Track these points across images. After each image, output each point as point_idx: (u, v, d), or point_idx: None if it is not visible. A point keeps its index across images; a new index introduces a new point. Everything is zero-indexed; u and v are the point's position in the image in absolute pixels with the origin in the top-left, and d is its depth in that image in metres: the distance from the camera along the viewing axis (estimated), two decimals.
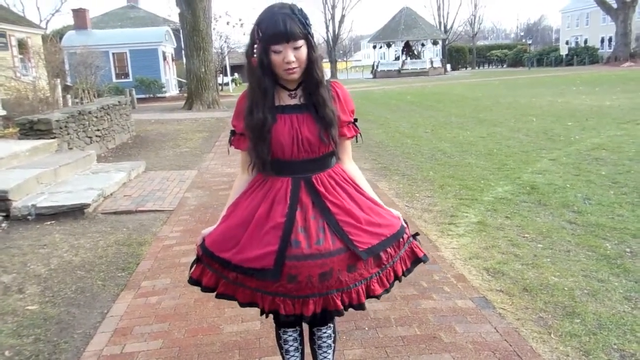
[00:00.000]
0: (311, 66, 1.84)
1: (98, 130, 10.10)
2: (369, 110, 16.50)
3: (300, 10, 1.80)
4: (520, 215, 5.14)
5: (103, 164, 8.39)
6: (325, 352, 2.25)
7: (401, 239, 1.99)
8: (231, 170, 7.86)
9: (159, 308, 3.47)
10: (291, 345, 2.20)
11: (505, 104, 16.40)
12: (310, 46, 1.82)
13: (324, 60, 72.88)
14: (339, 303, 1.88)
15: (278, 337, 2.23)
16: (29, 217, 5.53)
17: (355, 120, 2.06)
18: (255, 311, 3.26)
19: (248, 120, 1.89)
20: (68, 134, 8.73)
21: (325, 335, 2.23)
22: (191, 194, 6.61)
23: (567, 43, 56.42)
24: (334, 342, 2.27)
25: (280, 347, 2.24)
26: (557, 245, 4.31)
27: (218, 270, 1.99)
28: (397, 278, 2.02)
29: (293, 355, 2.22)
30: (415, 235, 2.09)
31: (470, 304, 3.35)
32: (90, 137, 9.68)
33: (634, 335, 2.90)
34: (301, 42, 1.78)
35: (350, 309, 1.94)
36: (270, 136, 1.87)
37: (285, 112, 1.90)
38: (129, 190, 6.82)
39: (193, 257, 3.87)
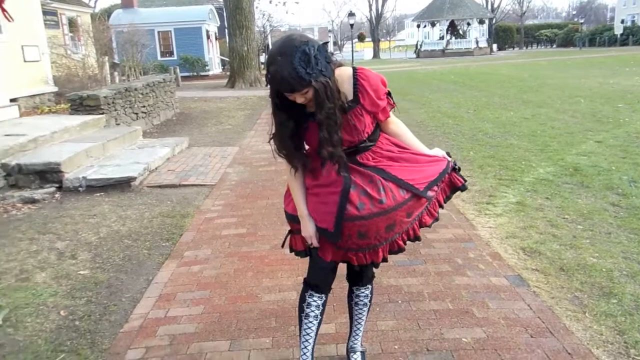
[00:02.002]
0: (317, 109, 1.91)
1: (144, 106, 10.39)
2: (410, 90, 16.32)
3: (304, 54, 1.82)
4: (561, 197, 5.06)
5: (148, 139, 8.66)
6: (361, 309, 2.45)
7: (447, 175, 2.19)
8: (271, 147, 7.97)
9: (200, 276, 3.63)
10: (312, 312, 2.28)
11: (552, 85, 15.92)
12: (317, 92, 1.86)
13: (367, 39, 72.05)
14: (402, 243, 2.17)
15: (302, 300, 2.31)
16: (80, 188, 5.80)
17: (389, 94, 2.10)
18: (291, 281, 3.42)
19: (279, 150, 2.08)
20: (115, 110, 9.03)
21: (363, 294, 2.43)
22: (232, 170, 6.78)
23: (622, 22, 53.86)
24: (369, 301, 2.46)
25: (301, 310, 2.31)
26: (598, 226, 4.25)
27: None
28: (440, 206, 2.23)
29: (311, 322, 2.30)
30: (455, 168, 2.23)
31: (505, 281, 3.37)
32: (136, 114, 9.97)
33: None
34: (306, 90, 1.87)
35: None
36: (301, 149, 2.09)
37: (313, 119, 2.01)
38: (173, 165, 7.04)
39: (233, 230, 4.06)
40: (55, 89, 10.99)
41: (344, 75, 1.97)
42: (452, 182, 2.23)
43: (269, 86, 1.95)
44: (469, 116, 10.54)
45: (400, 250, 2.19)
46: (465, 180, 2.27)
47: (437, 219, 2.24)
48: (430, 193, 2.12)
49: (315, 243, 2.14)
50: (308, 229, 2.12)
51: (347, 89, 1.97)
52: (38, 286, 3.52)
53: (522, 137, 8.12)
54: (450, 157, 2.25)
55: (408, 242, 2.21)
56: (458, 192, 2.29)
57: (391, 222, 2.05)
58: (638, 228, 4.15)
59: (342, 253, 2.14)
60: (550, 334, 2.75)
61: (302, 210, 2.14)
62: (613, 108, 10.47)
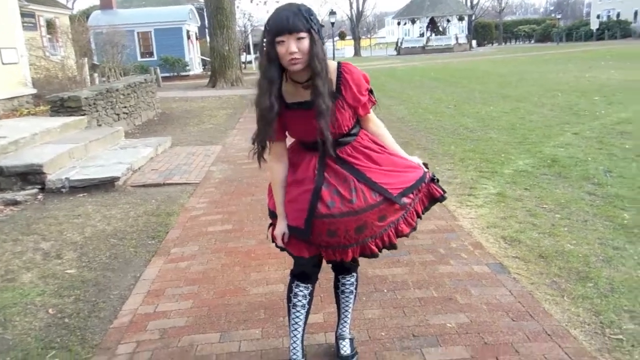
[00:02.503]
0: (311, 58, 1.95)
1: (125, 107, 10.34)
2: (391, 87, 16.46)
3: (307, 9, 1.95)
4: (539, 187, 5.19)
5: (130, 139, 8.63)
6: (348, 296, 2.52)
7: (423, 184, 2.21)
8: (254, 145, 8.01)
9: (188, 272, 3.67)
10: (299, 301, 2.34)
11: (531, 80, 16.18)
12: (313, 40, 1.93)
13: (347, 37, 72.20)
14: (374, 248, 2.18)
15: (289, 290, 2.37)
16: (62, 189, 5.78)
17: (371, 91, 2.17)
18: (278, 274, 3.48)
19: (257, 106, 2.06)
20: (97, 111, 8.98)
21: (349, 282, 2.49)
22: (216, 168, 6.80)
23: (598, 17, 54.74)
24: (355, 288, 2.53)
25: (289, 300, 2.37)
26: (575, 215, 4.38)
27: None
28: (418, 216, 2.25)
29: (299, 311, 2.36)
30: (433, 179, 2.26)
31: (486, 269, 3.46)
32: (117, 114, 9.93)
33: None
34: (304, 35, 1.91)
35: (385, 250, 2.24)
36: (276, 122, 2.05)
37: (298, 107, 2.06)
38: (156, 165, 7.04)
39: (219, 227, 4.12)
40: (34, 91, 10.89)
41: (329, 68, 2.03)
42: (430, 193, 2.24)
43: (264, 41, 1.96)
44: (450, 111, 10.69)
45: (374, 255, 2.20)
46: (445, 192, 2.29)
47: (414, 229, 2.24)
48: (405, 200, 2.14)
49: (279, 242, 2.24)
50: (279, 229, 2.22)
51: (330, 81, 2.03)
52: (25, 286, 3.52)
53: (502, 130, 8.27)
54: (427, 168, 2.27)
55: (384, 250, 2.22)
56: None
57: (361, 223, 2.08)
58: (613, 216, 4.28)
59: (315, 248, 2.19)
60: (531, 317, 2.85)
61: (280, 210, 2.21)
62: (589, 101, 10.70)
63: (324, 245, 2.15)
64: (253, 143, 2.13)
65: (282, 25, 1.90)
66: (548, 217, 4.36)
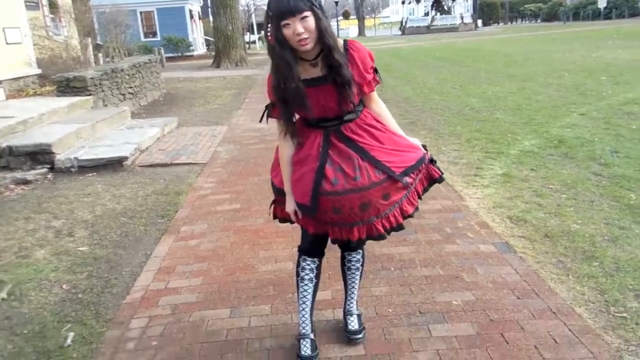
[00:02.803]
0: (321, 34, 1.97)
1: (130, 87, 10.35)
2: (396, 67, 16.36)
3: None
4: (545, 168, 5.21)
5: (137, 120, 8.65)
6: (354, 273, 2.57)
7: (423, 164, 2.24)
8: (260, 126, 8.03)
9: (198, 250, 3.72)
10: (307, 275, 2.41)
11: (537, 59, 16.05)
12: (317, 17, 1.95)
13: (352, 17, 71.51)
14: (381, 229, 2.17)
15: (297, 265, 2.45)
16: (72, 169, 5.83)
17: (375, 70, 2.19)
18: (287, 252, 3.53)
19: (281, 93, 2.07)
20: (102, 91, 8.99)
21: (355, 259, 2.54)
22: (223, 148, 6.83)
23: None
24: (361, 265, 2.57)
25: (297, 274, 2.44)
26: (581, 195, 4.40)
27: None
28: (419, 197, 2.28)
29: (306, 285, 2.42)
30: (432, 160, 2.30)
31: (492, 248, 3.51)
32: (123, 95, 9.94)
33: None
34: (307, 14, 1.92)
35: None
36: (307, 101, 2.07)
37: (309, 85, 2.07)
38: (163, 145, 7.07)
39: (227, 206, 4.16)
40: (39, 71, 10.88)
41: None
42: (430, 174, 2.29)
43: (269, 26, 1.98)
44: (456, 92, 10.65)
45: (381, 237, 2.20)
46: (442, 172, 2.33)
47: (417, 209, 2.27)
48: (407, 179, 2.17)
49: (294, 219, 2.28)
50: (289, 206, 2.26)
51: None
52: (39, 262, 3.59)
53: (508, 111, 8.25)
54: (426, 149, 2.31)
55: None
56: (443, 167, 2.39)
57: (365, 200, 2.10)
58: (619, 196, 4.31)
59: (322, 225, 2.23)
60: (536, 295, 2.89)
61: (288, 188, 2.25)
62: (596, 81, 10.63)
63: (329, 222, 2.18)
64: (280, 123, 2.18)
65: (284, 8, 1.91)
66: (554, 197, 4.39)
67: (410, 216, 2.25)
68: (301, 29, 1.92)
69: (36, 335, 2.75)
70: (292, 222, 2.38)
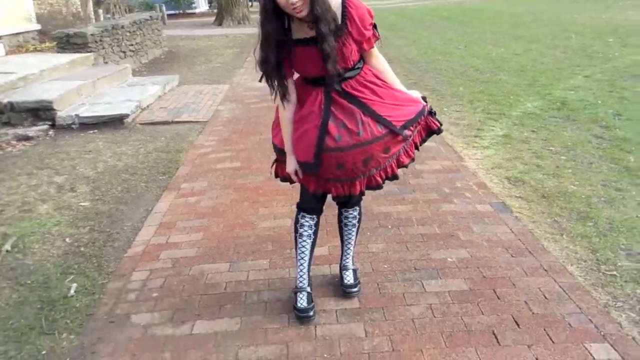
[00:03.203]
0: (312, 3, 1.95)
1: (131, 44, 10.23)
2: (402, 26, 16.09)
3: None
4: (546, 130, 5.20)
5: (138, 77, 8.59)
6: (350, 229, 2.62)
7: (422, 117, 2.27)
8: (262, 85, 7.95)
9: (198, 207, 3.77)
10: (305, 231, 2.45)
11: (545, 20, 15.75)
12: None
13: None
14: (379, 179, 2.25)
15: (296, 222, 2.48)
16: (73, 125, 5.85)
17: (375, 26, 2.17)
18: (286, 209, 3.57)
19: (259, 61, 2.11)
20: (103, 48, 8.90)
21: (352, 216, 2.58)
22: (224, 107, 6.81)
23: None
24: (358, 222, 2.61)
25: (296, 231, 2.49)
26: (581, 157, 4.41)
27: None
28: (416, 148, 2.32)
29: (305, 241, 2.47)
30: (431, 112, 2.32)
31: (489, 208, 3.54)
32: (124, 52, 9.83)
33: None
34: None
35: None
36: (283, 71, 2.12)
37: (303, 44, 2.08)
38: (165, 103, 7.05)
39: (227, 164, 4.19)
40: (39, 26, 10.74)
41: (333, 1, 2.03)
42: (428, 126, 2.31)
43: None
44: (460, 52, 10.51)
45: (378, 187, 2.28)
46: (441, 124, 2.36)
47: (413, 160, 2.33)
48: (406, 132, 2.20)
49: (295, 179, 2.31)
50: (290, 167, 2.28)
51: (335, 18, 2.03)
52: (41, 216, 3.65)
53: (512, 72, 8.16)
54: (426, 101, 2.33)
55: (387, 182, 2.31)
56: (443, 127, 2.41)
57: (368, 155, 2.14)
58: (618, 158, 4.32)
59: (323, 184, 2.26)
60: (529, 254, 2.95)
61: (289, 147, 2.26)
62: (603, 43, 10.46)
63: (332, 178, 2.21)
64: (271, 89, 2.18)
65: None
66: (553, 159, 4.40)
67: (405, 166, 2.31)
68: (299, 2, 1.93)
69: (40, 285, 2.82)
70: (292, 182, 2.41)
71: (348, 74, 2.14)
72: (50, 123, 5.85)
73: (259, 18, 2.05)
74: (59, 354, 2.29)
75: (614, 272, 2.75)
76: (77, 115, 5.89)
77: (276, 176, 2.52)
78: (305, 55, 2.09)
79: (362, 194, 2.33)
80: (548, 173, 4.10)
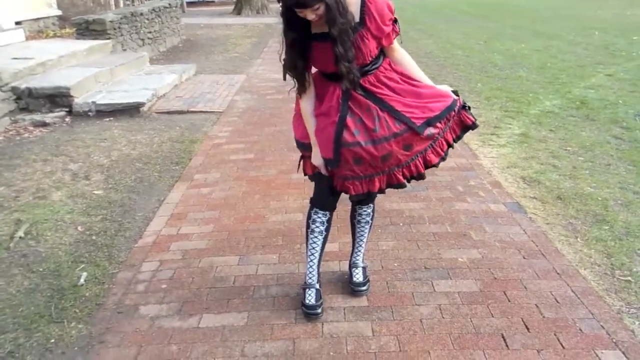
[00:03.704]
0: (329, 24, 1.94)
1: (150, 32, 10.25)
2: (420, 19, 15.92)
3: None
4: (565, 129, 5.11)
5: (155, 65, 8.61)
6: (363, 226, 2.60)
7: (453, 112, 2.19)
8: (279, 76, 7.97)
9: (210, 198, 3.78)
10: (317, 227, 2.42)
11: (567, 15, 15.48)
12: (328, 7, 1.90)
13: None
14: (401, 178, 2.20)
15: (308, 217, 2.46)
16: (89, 113, 5.88)
17: (395, 21, 2.13)
18: (297, 204, 3.56)
19: (287, 67, 2.12)
20: (121, 35, 8.93)
21: (365, 213, 2.56)
22: (240, 97, 6.81)
23: None
24: (371, 219, 2.60)
25: (307, 226, 2.46)
26: (599, 158, 4.33)
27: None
28: (449, 146, 2.25)
29: (316, 237, 2.44)
30: (464, 106, 2.24)
31: (503, 208, 3.50)
32: (142, 39, 9.86)
33: None
34: (318, 5, 1.89)
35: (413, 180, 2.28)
36: (307, 72, 2.13)
37: (320, 39, 2.05)
38: (181, 92, 7.06)
39: (241, 156, 4.15)
40: (59, 12, 10.80)
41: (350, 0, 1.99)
42: (462, 121, 2.24)
43: (280, 4, 1.97)
44: (479, 47, 10.37)
45: (401, 185, 2.22)
46: (475, 119, 2.27)
47: (444, 159, 2.25)
48: (431, 129, 2.13)
49: (324, 171, 2.25)
50: (317, 158, 2.23)
51: (354, 11, 2.00)
52: (55, 204, 3.68)
53: (532, 69, 8.04)
54: (457, 95, 2.24)
55: (412, 181, 2.26)
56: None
57: (386, 152, 2.10)
58: (637, 160, 4.23)
59: (341, 182, 2.23)
60: (542, 256, 2.90)
61: (313, 139, 2.23)
62: (627, 41, 10.26)
63: (350, 176, 2.17)
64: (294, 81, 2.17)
65: (295, 3, 1.90)
66: (570, 160, 4.33)
67: (435, 166, 2.24)
68: (312, 16, 1.94)
69: (51, 273, 2.85)
70: (316, 178, 2.36)
71: (366, 70, 2.11)
72: (67, 109, 5.89)
73: (282, 25, 2.06)
74: (67, 343, 2.31)
75: (629, 278, 2.70)
76: (94, 103, 5.93)
77: (304, 174, 2.45)
78: (322, 51, 2.06)
79: (381, 192, 2.26)
80: (564, 174, 4.04)
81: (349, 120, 2.10)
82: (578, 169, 4.13)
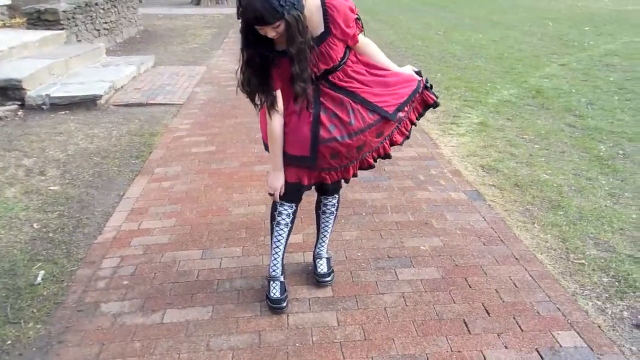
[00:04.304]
0: (289, 42, 1.92)
1: (106, 23, 9.97)
2: (380, 9, 15.99)
3: None
4: (522, 118, 5.24)
5: (112, 57, 8.39)
6: (328, 217, 2.62)
7: (418, 94, 2.27)
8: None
9: (171, 192, 3.72)
10: (283, 220, 2.41)
11: (523, 7, 15.84)
12: (289, 24, 1.88)
13: None
14: (372, 161, 2.31)
15: (274, 209, 2.42)
16: (43, 106, 5.69)
17: (359, 19, 2.15)
18: (260, 196, 3.53)
19: (241, 83, 2.08)
20: (76, 25, 8.66)
21: (331, 204, 2.58)
22: (200, 89, 6.71)
23: None
24: (336, 210, 2.62)
25: (273, 219, 2.43)
26: (554, 146, 4.46)
27: None
28: (413, 124, 2.33)
29: (282, 229, 2.43)
30: (426, 86, 2.30)
31: (463, 196, 3.57)
32: (98, 30, 9.58)
33: (611, 226, 3.14)
34: (278, 23, 1.88)
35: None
36: (272, 84, 2.08)
37: (285, 56, 2.01)
38: (140, 84, 6.91)
39: (202, 148, 4.05)
40: (9, 1, 10.38)
41: (312, 7, 1.99)
42: (424, 100, 2.31)
43: (240, 20, 1.93)
44: (439, 38, 10.51)
45: (371, 167, 2.33)
46: (437, 97, 2.35)
47: (408, 137, 2.35)
48: (400, 114, 2.20)
49: (277, 197, 2.29)
50: (280, 182, 2.24)
51: (317, 21, 2.00)
52: (9, 201, 3.56)
53: (490, 59, 8.20)
54: (421, 75, 2.30)
55: (379, 160, 2.35)
56: (429, 111, 2.40)
57: (361, 143, 2.16)
58: (590, 147, 4.38)
59: (317, 175, 2.26)
60: (501, 242, 2.98)
61: (278, 164, 2.22)
62: (579, 31, 10.58)
63: (327, 168, 2.22)
64: (257, 100, 2.13)
65: (255, 20, 1.87)
66: (527, 148, 4.45)
67: (400, 144, 2.34)
68: (272, 34, 1.93)
69: (6, 273, 2.76)
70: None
71: (335, 67, 2.12)
72: (19, 103, 5.68)
73: (240, 41, 2.02)
74: (24, 344, 2.25)
75: (583, 261, 2.80)
76: (48, 96, 5.74)
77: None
78: (287, 64, 2.02)
79: (354, 176, 2.35)
80: (522, 162, 4.15)
81: (323, 117, 2.12)
82: (534, 156, 4.24)
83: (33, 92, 5.78)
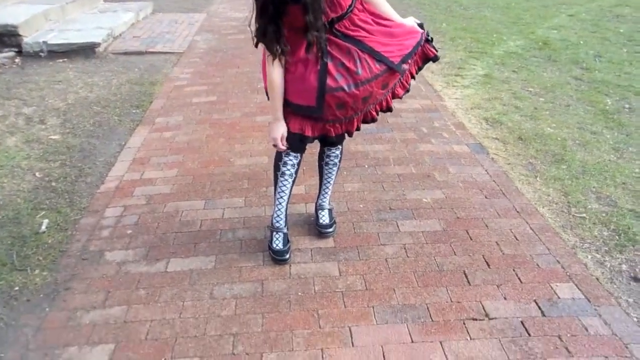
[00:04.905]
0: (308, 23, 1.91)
1: None
2: None
3: None
4: (527, 70, 5.16)
5: (110, 3, 8.18)
6: (331, 168, 2.61)
7: (420, 47, 2.23)
8: (240, 15, 7.72)
9: (173, 142, 3.70)
10: (288, 170, 2.40)
11: None
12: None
13: None
14: (374, 113, 2.29)
15: (278, 159, 2.40)
16: (41, 53, 5.59)
17: None
18: (262, 147, 3.52)
19: (257, 33, 2.04)
20: None
21: (334, 155, 2.57)
22: (200, 37, 6.57)
23: None
24: (339, 161, 2.62)
25: (277, 169, 2.42)
26: (559, 99, 4.41)
27: None
28: (412, 77, 2.31)
29: (286, 180, 2.43)
30: (427, 39, 2.26)
31: (466, 148, 3.55)
32: None
33: (613, 180, 3.13)
34: None
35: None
36: (282, 31, 2.02)
37: (292, 3, 1.96)
38: (138, 32, 6.77)
39: (203, 98, 3.98)
40: None
41: None
42: (424, 53, 2.27)
43: None
44: None
45: (373, 120, 2.30)
46: (437, 51, 2.31)
47: (408, 90, 2.32)
48: (404, 66, 2.17)
49: (280, 146, 2.23)
50: (279, 132, 2.20)
51: None
52: (10, 149, 3.54)
53: (496, 9, 8.00)
54: (422, 28, 2.26)
55: (380, 113, 2.32)
56: (429, 63, 2.36)
57: (367, 93, 2.12)
58: (595, 101, 4.33)
59: (321, 126, 2.23)
60: (503, 195, 2.98)
61: (278, 114, 2.19)
62: None
63: (332, 119, 2.19)
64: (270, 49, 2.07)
65: None
66: (532, 101, 4.39)
67: (400, 97, 2.32)
68: None
69: (11, 221, 2.77)
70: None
71: (342, 14, 2.06)
72: (16, 50, 5.59)
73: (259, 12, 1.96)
74: (32, 290, 2.29)
75: (584, 215, 2.81)
76: (45, 42, 5.63)
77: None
78: (299, 12, 1.97)
79: (350, 134, 2.34)
80: (526, 115, 4.10)
81: (330, 65, 2.07)
82: (539, 109, 4.20)
83: (30, 39, 5.67)
